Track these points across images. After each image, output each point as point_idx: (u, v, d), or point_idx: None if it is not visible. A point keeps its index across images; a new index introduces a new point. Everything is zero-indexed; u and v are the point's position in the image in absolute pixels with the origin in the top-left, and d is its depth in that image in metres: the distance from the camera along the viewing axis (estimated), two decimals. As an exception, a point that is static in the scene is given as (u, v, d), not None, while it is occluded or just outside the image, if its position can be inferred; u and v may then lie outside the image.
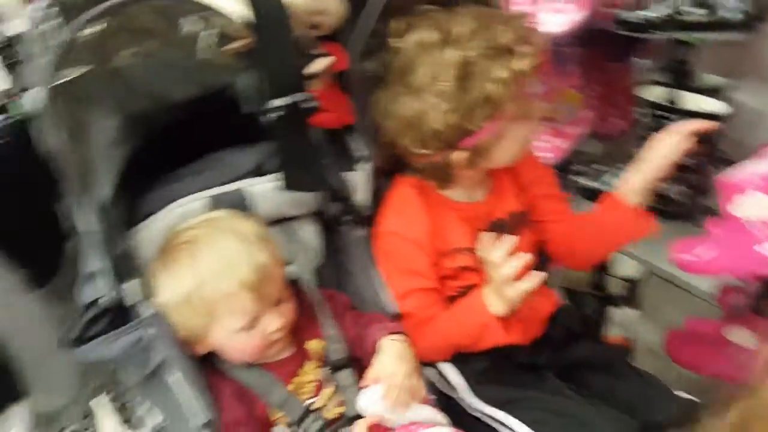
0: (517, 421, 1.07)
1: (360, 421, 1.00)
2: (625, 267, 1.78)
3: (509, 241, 1.07)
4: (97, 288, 0.99)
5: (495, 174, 1.21)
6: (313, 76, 1.01)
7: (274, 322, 1.01)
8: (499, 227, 1.19)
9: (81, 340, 1.00)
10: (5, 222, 1.02)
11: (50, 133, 0.92)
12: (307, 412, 1.03)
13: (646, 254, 1.51)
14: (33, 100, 0.90)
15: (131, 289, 0.98)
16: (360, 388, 1.03)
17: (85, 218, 0.97)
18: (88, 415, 1.41)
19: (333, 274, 1.19)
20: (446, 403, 1.11)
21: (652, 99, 1.54)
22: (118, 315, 1.00)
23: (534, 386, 1.11)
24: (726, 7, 1.27)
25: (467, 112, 1.05)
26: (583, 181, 1.67)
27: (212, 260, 0.98)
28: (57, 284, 1.10)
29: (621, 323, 1.77)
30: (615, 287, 1.82)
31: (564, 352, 1.18)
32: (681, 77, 1.56)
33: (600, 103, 1.66)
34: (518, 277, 1.06)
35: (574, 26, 1.37)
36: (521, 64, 1.04)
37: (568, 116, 1.60)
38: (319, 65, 1.04)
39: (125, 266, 0.98)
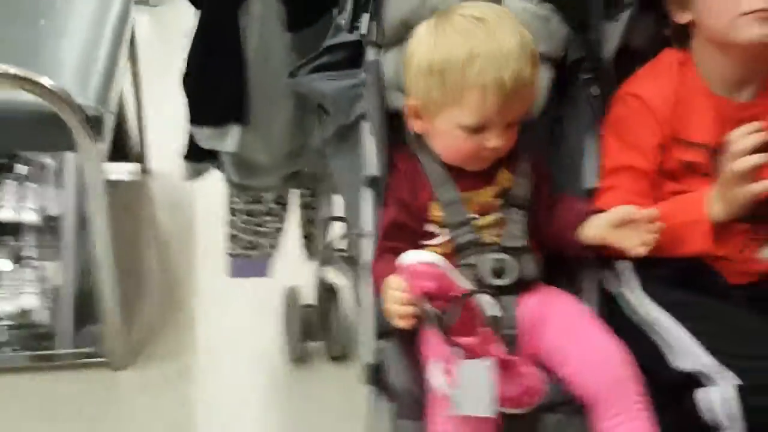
0: (682, 328, 0.96)
1: None
2: None
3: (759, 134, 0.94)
4: (342, 35, 1.08)
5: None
6: None
7: (495, 140, 1.01)
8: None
9: (310, 72, 1.10)
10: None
11: None
12: (467, 221, 1.03)
13: None
14: None
15: (365, 25, 1.04)
16: None
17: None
18: (284, 204, 1.55)
19: (545, 133, 1.14)
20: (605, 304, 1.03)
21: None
22: (349, 59, 1.08)
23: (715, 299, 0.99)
24: None
25: None
26: None
27: (492, 47, 0.97)
28: (310, 35, 1.21)
29: None
30: None
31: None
32: None
33: None
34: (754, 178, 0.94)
35: None
36: None
37: None
38: None
39: (366, 8, 1.05)
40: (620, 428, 0.91)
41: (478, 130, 0.99)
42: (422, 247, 1.02)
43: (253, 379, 1.63)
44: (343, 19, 1.10)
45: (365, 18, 1.05)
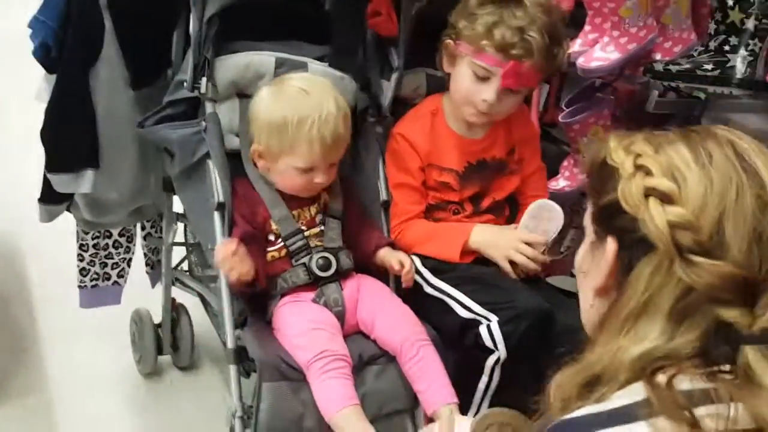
0: (459, 292, 1.38)
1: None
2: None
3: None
4: (181, 92, 1.36)
5: (495, 122, 1.51)
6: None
7: (321, 177, 1.33)
8: (482, 165, 1.50)
9: (156, 123, 1.36)
10: (134, 27, 1.39)
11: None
12: (298, 231, 1.36)
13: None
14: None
15: (204, 86, 1.34)
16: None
17: (193, 26, 1.33)
18: (128, 235, 1.75)
19: (347, 162, 1.50)
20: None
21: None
22: (188, 112, 1.36)
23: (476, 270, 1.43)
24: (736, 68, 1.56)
25: None
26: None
27: (314, 110, 1.29)
28: (150, 92, 1.46)
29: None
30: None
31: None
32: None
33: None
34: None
35: (611, 64, 1.67)
36: None
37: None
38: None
39: (204, 73, 1.34)
40: (416, 365, 1.28)
41: (307, 171, 1.32)
42: (266, 252, 1.34)
43: (111, 401, 1.78)
44: (183, 79, 1.37)
45: (203, 80, 1.34)
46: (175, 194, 1.58)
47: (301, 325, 1.29)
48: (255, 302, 1.35)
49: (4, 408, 1.72)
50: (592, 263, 0.77)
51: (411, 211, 1.48)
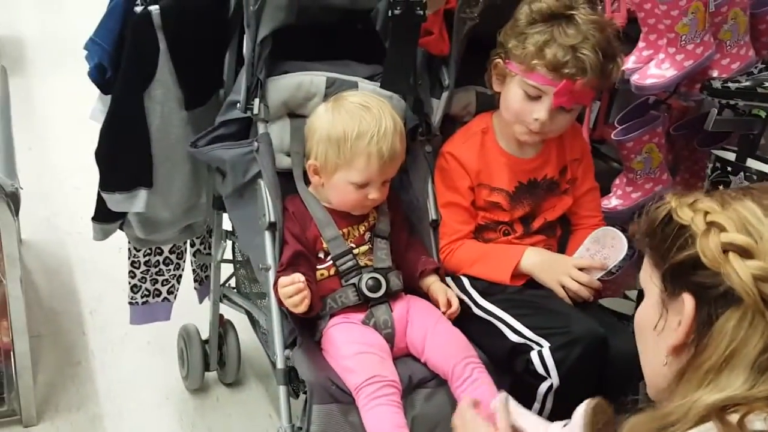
0: (509, 315, 1.35)
1: None
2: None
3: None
4: (233, 113, 1.38)
5: (546, 140, 1.49)
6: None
7: (375, 193, 1.34)
8: (533, 185, 1.47)
9: (208, 143, 1.38)
10: (188, 49, 1.41)
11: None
12: (348, 251, 1.35)
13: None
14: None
15: (257, 107, 1.35)
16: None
17: (247, 47, 1.35)
18: (179, 252, 1.77)
19: (395, 180, 1.47)
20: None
21: (723, 157, 1.75)
22: (240, 132, 1.37)
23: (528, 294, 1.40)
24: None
25: None
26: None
27: (373, 125, 1.30)
28: (202, 112, 1.48)
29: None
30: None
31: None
32: (750, 146, 1.77)
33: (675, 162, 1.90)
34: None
35: (666, 81, 1.64)
36: None
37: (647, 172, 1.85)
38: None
39: (256, 94, 1.35)
40: (470, 386, 1.26)
41: (363, 186, 1.32)
42: (316, 270, 1.34)
43: (159, 416, 1.80)
44: (236, 100, 1.39)
45: (257, 101, 1.35)
46: (225, 212, 1.59)
47: (351, 347, 1.28)
48: (304, 321, 1.34)
49: (53, 421, 1.75)
50: (665, 322, 0.77)
51: (460, 231, 1.46)
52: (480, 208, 1.47)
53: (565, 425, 0.97)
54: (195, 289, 1.87)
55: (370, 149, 1.29)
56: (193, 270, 1.85)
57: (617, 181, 1.83)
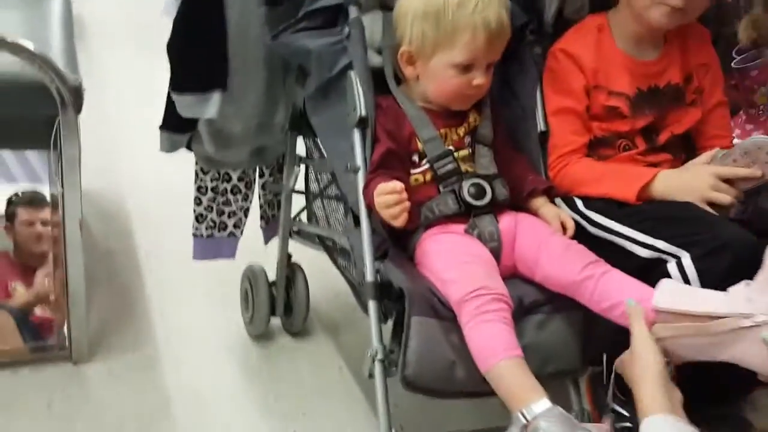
0: (635, 231, 1.16)
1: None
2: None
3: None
4: (319, 2, 1.22)
5: (668, 40, 1.30)
6: None
7: (479, 77, 1.16)
8: (655, 92, 1.28)
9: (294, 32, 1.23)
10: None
11: None
12: (448, 153, 1.18)
13: None
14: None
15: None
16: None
17: None
18: (247, 180, 1.63)
19: (497, 87, 1.30)
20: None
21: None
22: (327, 25, 1.22)
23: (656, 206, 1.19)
24: None
25: None
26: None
27: None
28: (279, 9, 1.33)
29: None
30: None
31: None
32: None
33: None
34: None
35: None
36: None
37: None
38: None
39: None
40: (599, 283, 1.06)
41: (466, 68, 1.15)
42: (410, 173, 1.17)
43: (219, 361, 1.64)
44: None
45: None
46: (300, 135, 1.45)
47: (453, 257, 1.10)
48: (392, 234, 1.16)
49: (105, 361, 1.60)
50: None
51: (573, 143, 1.27)
52: (595, 117, 1.28)
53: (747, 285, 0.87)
54: (261, 228, 1.71)
55: (474, 19, 1.12)
56: (260, 206, 1.70)
57: (735, 120, 1.64)
